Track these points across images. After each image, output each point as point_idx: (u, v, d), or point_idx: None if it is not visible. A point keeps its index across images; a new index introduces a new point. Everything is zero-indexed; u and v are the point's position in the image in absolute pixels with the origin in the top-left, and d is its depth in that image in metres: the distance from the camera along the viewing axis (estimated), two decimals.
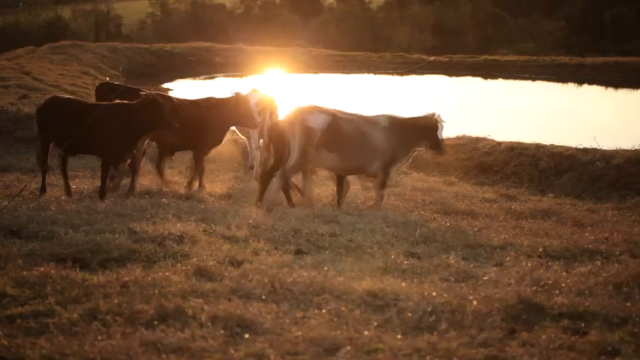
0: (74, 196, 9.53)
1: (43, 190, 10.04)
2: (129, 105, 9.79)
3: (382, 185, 10.21)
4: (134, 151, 10.23)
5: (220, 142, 11.59)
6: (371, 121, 10.14)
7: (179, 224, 7.78)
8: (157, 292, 5.66)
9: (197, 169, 11.13)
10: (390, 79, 34.82)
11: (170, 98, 11.04)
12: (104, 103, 10.17)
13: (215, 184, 11.58)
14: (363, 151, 9.98)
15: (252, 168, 12.69)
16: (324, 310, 5.52)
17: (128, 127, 9.72)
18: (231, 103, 11.11)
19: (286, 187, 10.18)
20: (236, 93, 11.13)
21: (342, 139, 9.87)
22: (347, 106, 10.83)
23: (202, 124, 10.96)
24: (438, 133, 10.08)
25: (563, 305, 5.73)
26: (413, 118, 10.23)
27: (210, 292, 5.75)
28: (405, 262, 6.87)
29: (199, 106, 11.22)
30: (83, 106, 10.13)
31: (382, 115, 10.22)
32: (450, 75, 35.36)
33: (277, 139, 10.04)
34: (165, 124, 9.78)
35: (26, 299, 5.52)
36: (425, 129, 10.10)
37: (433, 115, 10.17)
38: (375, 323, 5.33)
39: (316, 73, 35.20)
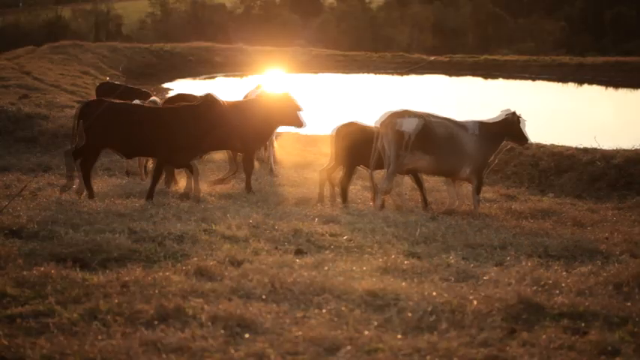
0: (75, 196, 9.52)
1: (91, 195, 9.74)
2: (190, 107, 9.82)
3: (478, 190, 10.64)
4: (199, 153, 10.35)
5: (265, 142, 12.03)
6: (461, 126, 10.51)
7: (179, 224, 7.79)
8: (157, 291, 5.66)
9: (246, 169, 11.22)
10: (390, 79, 34.83)
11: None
12: (164, 106, 10.23)
13: (215, 184, 11.58)
14: (455, 154, 10.36)
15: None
16: (324, 310, 5.52)
17: (189, 128, 9.70)
18: (277, 102, 11.24)
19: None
20: (283, 94, 11.27)
21: (436, 142, 10.21)
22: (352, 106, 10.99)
23: (250, 125, 11.01)
24: (520, 128, 10.63)
25: (564, 305, 5.73)
26: (498, 122, 10.64)
27: (211, 292, 5.75)
28: (406, 262, 6.87)
29: (245, 106, 11.30)
30: (142, 109, 10.04)
31: (471, 122, 10.60)
32: (450, 75, 35.38)
33: (338, 142, 10.55)
34: (225, 124, 9.88)
35: (26, 299, 5.52)
36: (509, 129, 10.62)
37: (513, 113, 10.65)
38: (376, 323, 5.33)
39: (316, 73, 35.23)
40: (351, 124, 10.75)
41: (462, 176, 10.54)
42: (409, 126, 10.08)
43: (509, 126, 10.60)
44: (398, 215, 9.38)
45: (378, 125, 10.24)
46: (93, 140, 9.66)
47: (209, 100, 9.83)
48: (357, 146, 10.46)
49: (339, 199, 10.62)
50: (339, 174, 10.79)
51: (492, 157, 10.85)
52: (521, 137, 10.69)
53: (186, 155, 9.91)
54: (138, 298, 5.55)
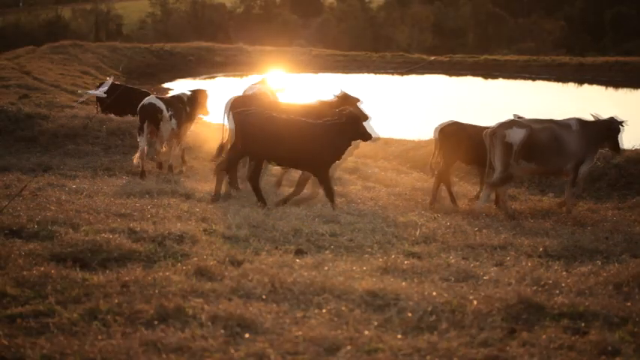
0: (74, 196, 9.51)
1: (264, 202, 9.97)
2: (336, 122, 10.17)
3: (573, 183, 10.83)
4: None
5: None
6: (563, 125, 10.79)
7: (179, 224, 7.78)
8: (157, 291, 5.66)
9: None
10: (390, 79, 34.83)
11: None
12: (315, 121, 10.45)
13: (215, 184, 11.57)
14: (559, 155, 10.66)
15: None
16: (324, 310, 5.52)
17: (335, 142, 10.09)
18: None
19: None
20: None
21: (539, 149, 10.56)
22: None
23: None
24: (618, 136, 10.95)
25: (564, 305, 5.73)
26: (598, 122, 10.91)
27: (211, 292, 5.74)
28: (406, 262, 6.87)
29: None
30: (294, 122, 10.24)
31: (572, 119, 10.87)
32: (450, 75, 35.38)
33: (443, 140, 11.17)
34: (365, 135, 10.20)
35: (26, 299, 5.52)
36: (608, 132, 10.89)
37: (614, 119, 10.93)
38: (376, 323, 5.34)
39: (316, 72, 35.23)
40: (453, 123, 11.37)
41: (562, 172, 10.88)
42: (516, 137, 10.48)
43: (609, 129, 10.87)
44: (398, 215, 9.38)
45: (487, 135, 10.66)
46: (252, 151, 10.03)
47: (351, 114, 10.22)
48: (460, 144, 11.10)
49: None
50: (454, 174, 11.56)
51: (592, 156, 10.96)
52: (616, 146, 11.01)
53: (328, 168, 10.29)
54: (138, 298, 5.55)
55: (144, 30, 61.59)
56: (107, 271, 6.17)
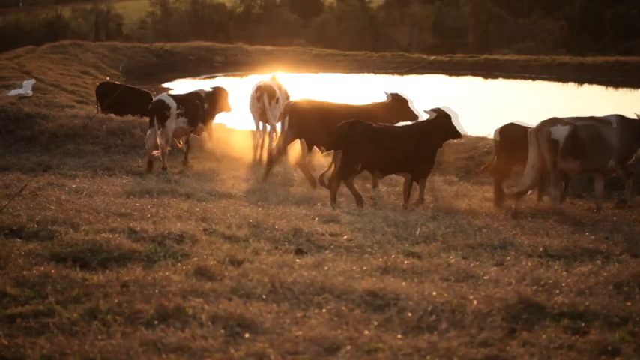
0: (74, 196, 9.51)
1: (361, 204, 10.34)
2: (428, 122, 10.63)
3: (627, 176, 11.02)
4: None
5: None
6: (604, 122, 10.94)
7: (179, 224, 7.78)
8: (157, 291, 5.66)
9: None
10: (390, 79, 34.81)
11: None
12: (405, 124, 10.92)
13: (215, 184, 11.59)
14: (601, 151, 10.80)
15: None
16: (324, 310, 5.52)
17: (431, 141, 10.61)
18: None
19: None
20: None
21: (584, 145, 10.71)
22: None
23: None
24: None
25: (564, 305, 5.73)
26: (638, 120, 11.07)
27: (211, 292, 5.74)
28: (406, 262, 6.86)
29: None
30: (391, 130, 10.66)
31: (612, 116, 11.05)
32: (450, 74, 35.35)
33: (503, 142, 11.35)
34: (455, 133, 10.69)
35: (26, 299, 5.51)
36: None
37: None
38: (376, 323, 5.33)
39: (316, 72, 35.20)
40: (512, 124, 11.52)
41: (606, 169, 10.99)
42: (561, 134, 10.65)
43: None
44: (398, 215, 9.38)
45: (531, 134, 10.78)
46: (353, 161, 10.29)
47: (443, 114, 10.65)
48: (518, 145, 11.11)
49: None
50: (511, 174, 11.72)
51: (635, 152, 11.09)
52: None
53: (429, 169, 10.85)
54: (138, 297, 5.55)
55: (144, 30, 61.58)
56: (107, 271, 6.17)
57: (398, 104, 11.93)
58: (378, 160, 10.38)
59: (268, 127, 14.31)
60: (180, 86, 28.97)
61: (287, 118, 11.77)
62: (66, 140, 14.08)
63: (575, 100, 26.98)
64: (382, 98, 12.24)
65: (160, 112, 12.50)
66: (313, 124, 11.66)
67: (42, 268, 6.05)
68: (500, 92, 30.73)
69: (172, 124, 12.58)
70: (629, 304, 5.83)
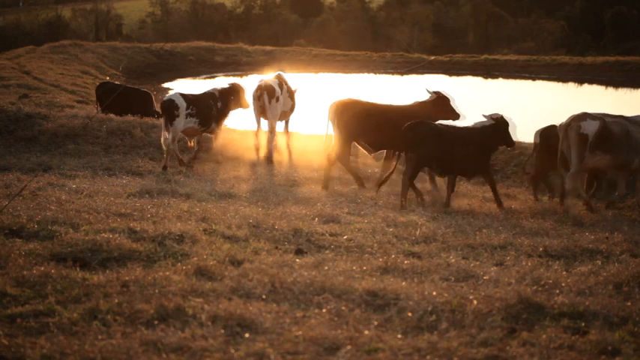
0: (74, 196, 9.51)
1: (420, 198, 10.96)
2: (489, 126, 10.95)
3: None
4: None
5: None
6: (633, 121, 11.05)
7: (179, 224, 7.78)
8: (157, 291, 5.66)
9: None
10: (391, 79, 34.81)
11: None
12: (468, 126, 11.32)
13: (215, 184, 11.58)
14: (630, 149, 10.90)
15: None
16: (324, 310, 5.52)
17: (488, 146, 11.02)
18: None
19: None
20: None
21: (613, 140, 10.81)
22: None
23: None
24: None
25: (564, 305, 5.73)
26: None
27: (211, 292, 5.74)
28: (406, 262, 6.87)
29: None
30: (454, 130, 11.08)
31: None
32: (450, 74, 35.35)
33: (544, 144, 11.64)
34: (509, 141, 11.04)
35: (26, 299, 5.52)
36: None
37: None
38: (376, 323, 5.34)
39: (316, 72, 35.20)
40: (553, 126, 11.67)
41: (632, 167, 11.07)
42: (591, 128, 10.71)
43: None
44: (398, 215, 9.38)
45: (561, 128, 10.93)
46: (420, 161, 10.77)
47: (502, 119, 11.01)
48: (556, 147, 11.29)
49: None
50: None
51: None
52: None
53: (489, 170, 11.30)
54: (138, 298, 5.55)
55: (144, 30, 61.56)
56: (107, 271, 6.17)
57: (441, 102, 12.14)
58: (441, 159, 10.75)
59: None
60: (180, 86, 28.98)
61: (335, 120, 12.00)
62: (66, 140, 14.06)
63: (575, 100, 26.99)
64: (424, 97, 12.40)
65: (169, 111, 12.72)
66: (361, 125, 11.88)
67: (42, 268, 6.05)
68: (501, 92, 30.71)
69: (181, 124, 12.76)
70: (629, 304, 5.83)
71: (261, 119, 14.13)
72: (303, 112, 16.16)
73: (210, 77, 33.58)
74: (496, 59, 37.76)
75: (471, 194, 11.91)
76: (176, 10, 63.67)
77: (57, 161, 12.61)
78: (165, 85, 30.17)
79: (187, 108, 12.81)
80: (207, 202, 9.76)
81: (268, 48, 38.96)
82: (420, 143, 10.60)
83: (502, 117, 10.95)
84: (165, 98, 13.07)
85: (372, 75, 35.55)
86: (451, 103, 12.27)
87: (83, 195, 9.63)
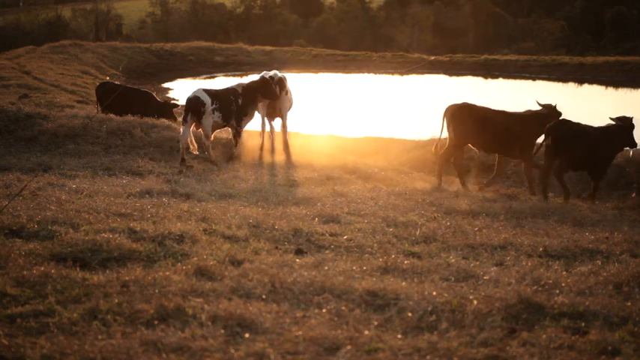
0: (74, 196, 9.51)
1: (569, 196, 12.02)
2: (618, 127, 11.73)
3: None
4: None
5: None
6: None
7: (179, 224, 7.78)
8: (157, 291, 5.66)
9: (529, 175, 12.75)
10: (391, 79, 34.82)
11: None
12: (600, 127, 12.05)
13: (215, 184, 11.58)
14: None
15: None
16: (324, 310, 5.52)
17: (614, 147, 11.91)
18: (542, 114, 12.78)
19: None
20: (625, 118, 12.15)
21: None
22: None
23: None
24: None
25: (564, 305, 5.73)
26: None
27: (211, 292, 5.74)
28: (406, 262, 6.86)
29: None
30: (592, 130, 11.94)
31: None
32: (450, 74, 35.37)
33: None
34: (632, 143, 11.81)
35: (26, 299, 5.51)
36: None
37: None
38: (376, 323, 5.33)
39: (316, 72, 35.21)
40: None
41: None
42: None
43: None
44: (398, 215, 9.38)
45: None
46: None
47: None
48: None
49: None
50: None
51: None
52: None
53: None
54: (138, 298, 5.55)
55: (144, 30, 61.59)
56: (107, 271, 6.17)
57: (552, 115, 12.62)
58: (578, 158, 11.66)
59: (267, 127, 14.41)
60: (181, 86, 28.98)
61: (450, 123, 12.61)
62: (66, 140, 14.05)
63: (575, 100, 26.99)
64: (535, 107, 12.98)
65: (195, 108, 12.83)
66: (476, 128, 12.57)
67: (42, 268, 6.05)
68: (501, 92, 30.72)
69: (209, 119, 12.95)
70: (629, 304, 5.83)
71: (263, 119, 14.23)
72: (303, 112, 16.18)
73: (210, 77, 33.60)
74: (496, 59, 37.80)
75: (471, 194, 11.91)
76: (176, 10, 63.70)
77: (57, 161, 12.60)
78: (165, 85, 30.18)
79: (212, 103, 12.99)
80: (207, 202, 9.76)
81: (268, 48, 39.00)
82: (566, 141, 11.54)
83: (630, 121, 11.68)
84: (190, 96, 13.18)
85: (372, 75, 35.56)
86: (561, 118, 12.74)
87: (83, 195, 9.63)
